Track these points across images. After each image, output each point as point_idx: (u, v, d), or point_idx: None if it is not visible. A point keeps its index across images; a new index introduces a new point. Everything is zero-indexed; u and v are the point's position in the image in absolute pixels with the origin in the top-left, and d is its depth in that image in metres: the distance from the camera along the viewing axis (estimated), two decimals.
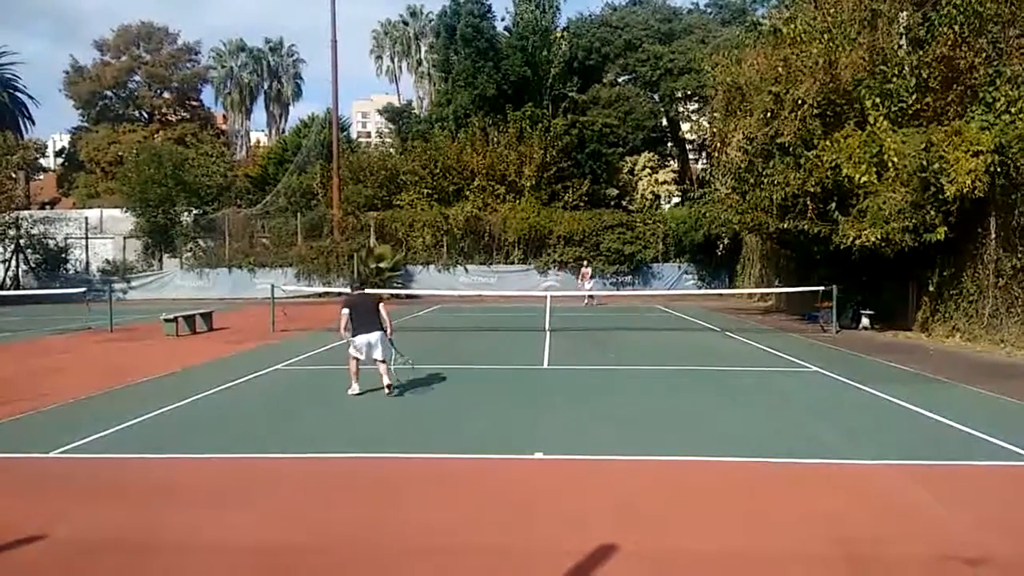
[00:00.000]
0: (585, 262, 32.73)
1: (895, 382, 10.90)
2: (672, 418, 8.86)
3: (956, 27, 15.15)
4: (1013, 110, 14.48)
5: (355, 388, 10.10)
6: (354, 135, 65.21)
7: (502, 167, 36.47)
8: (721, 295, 32.63)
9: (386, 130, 58.08)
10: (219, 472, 6.79)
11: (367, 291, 10.55)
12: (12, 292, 32.34)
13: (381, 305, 10.30)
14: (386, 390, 9.95)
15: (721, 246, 35.57)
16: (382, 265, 34.36)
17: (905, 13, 17.07)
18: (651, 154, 41.74)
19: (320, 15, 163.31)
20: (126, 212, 38.07)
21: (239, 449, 7.47)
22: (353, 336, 10.04)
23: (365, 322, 10.08)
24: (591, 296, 29.50)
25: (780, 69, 17.60)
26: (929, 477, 6.49)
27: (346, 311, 10.11)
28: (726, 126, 20.50)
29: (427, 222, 36.08)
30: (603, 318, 23.03)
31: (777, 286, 26.88)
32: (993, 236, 15.32)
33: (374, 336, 10.04)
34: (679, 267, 36.02)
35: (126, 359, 14.12)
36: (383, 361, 10.06)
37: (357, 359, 10.09)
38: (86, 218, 39.53)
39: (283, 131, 67.09)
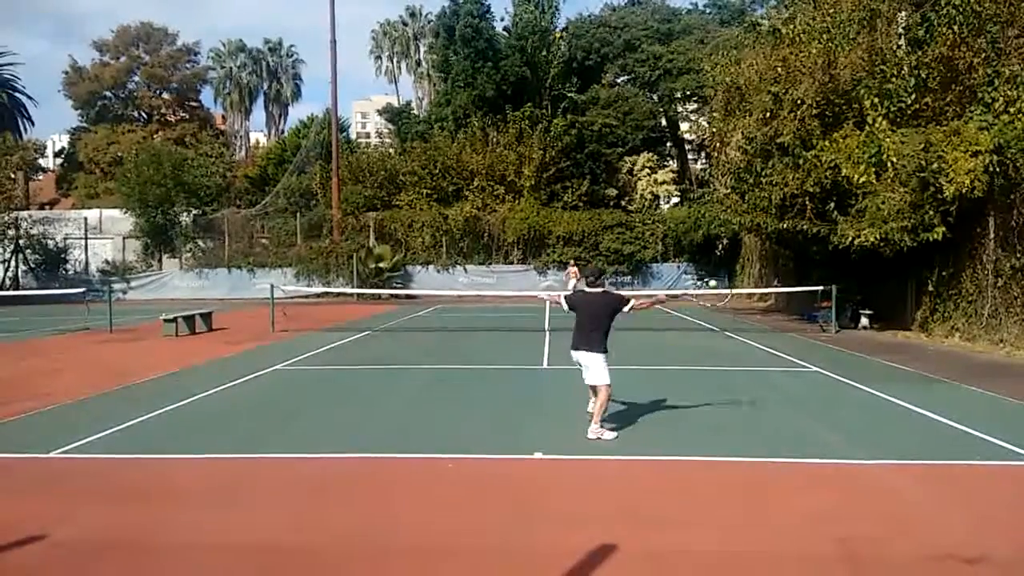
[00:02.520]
0: (571, 262, 33.41)
1: (894, 382, 10.91)
2: (671, 418, 8.86)
3: (955, 27, 15.16)
4: (1012, 110, 14.49)
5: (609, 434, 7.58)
6: (353, 135, 65.26)
7: (501, 167, 36.52)
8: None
9: (385, 130, 58.15)
10: (219, 472, 6.78)
11: (603, 289, 7.86)
12: (11, 292, 32.34)
13: (623, 309, 7.64)
14: (589, 432, 7.52)
15: (720, 246, 35.64)
16: (382, 265, 34.40)
17: (904, 13, 17.08)
18: (650, 154, 41.77)
19: (319, 16, 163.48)
20: (125, 212, 38.12)
21: (239, 449, 7.46)
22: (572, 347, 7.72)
23: (582, 332, 7.60)
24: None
25: (779, 69, 17.62)
26: (928, 477, 6.50)
27: (569, 310, 7.83)
28: (725, 126, 20.53)
29: (426, 222, 36.13)
30: None
31: (776, 286, 26.90)
32: (992, 236, 15.34)
33: (583, 356, 7.53)
34: (678, 267, 36.09)
35: (126, 359, 14.12)
36: (593, 388, 7.68)
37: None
38: (85, 218, 39.55)
39: (282, 131, 67.21)
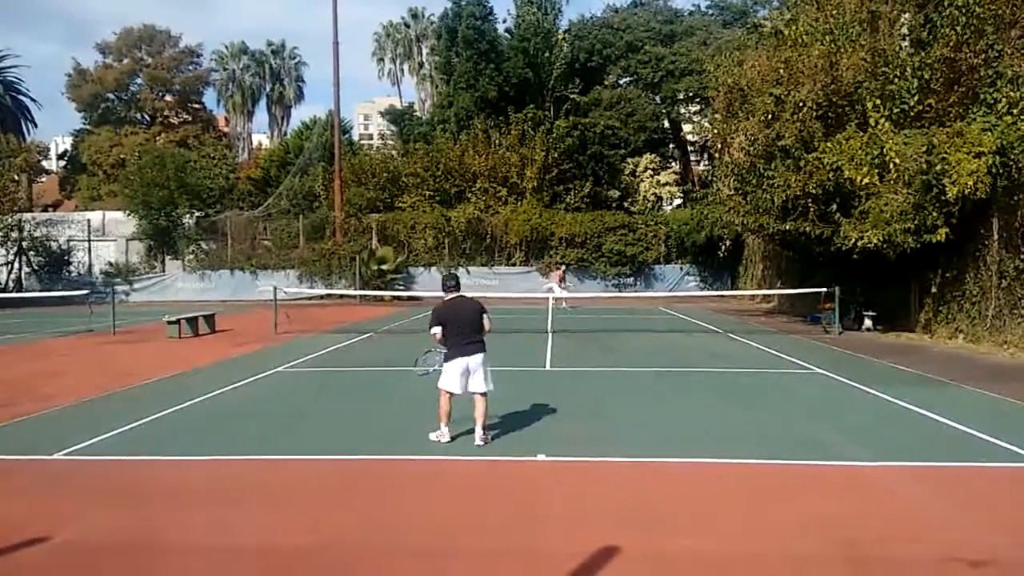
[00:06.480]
0: (555, 265, 33.23)
1: (898, 383, 10.89)
2: (674, 420, 8.86)
3: (958, 28, 15.15)
4: (1015, 111, 14.49)
5: (444, 434, 7.47)
6: (356, 137, 65.37)
7: (504, 169, 36.53)
8: (723, 296, 32.63)
9: (388, 132, 58.22)
10: (222, 474, 6.79)
11: (465, 295, 7.89)
12: (15, 294, 32.39)
13: (485, 316, 7.64)
14: (477, 439, 7.38)
15: (723, 247, 35.61)
16: (384, 267, 34.41)
17: (907, 14, 17.07)
18: (653, 156, 41.79)
19: (322, 18, 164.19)
20: (128, 215, 38.18)
21: (242, 451, 7.47)
22: (446, 360, 7.48)
23: (464, 338, 7.45)
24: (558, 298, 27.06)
25: (781, 71, 17.60)
26: (931, 478, 6.49)
27: (438, 329, 7.46)
28: (728, 127, 20.51)
29: (429, 224, 36.16)
30: (605, 320, 23.03)
31: (779, 287, 26.88)
32: (995, 237, 15.31)
33: (475, 360, 7.42)
34: (681, 268, 36.06)
35: (129, 361, 14.14)
36: (483, 395, 7.50)
37: (450, 393, 7.44)
38: (88, 220, 39.63)
39: (285, 133, 67.20)
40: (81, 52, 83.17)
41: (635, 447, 7.36)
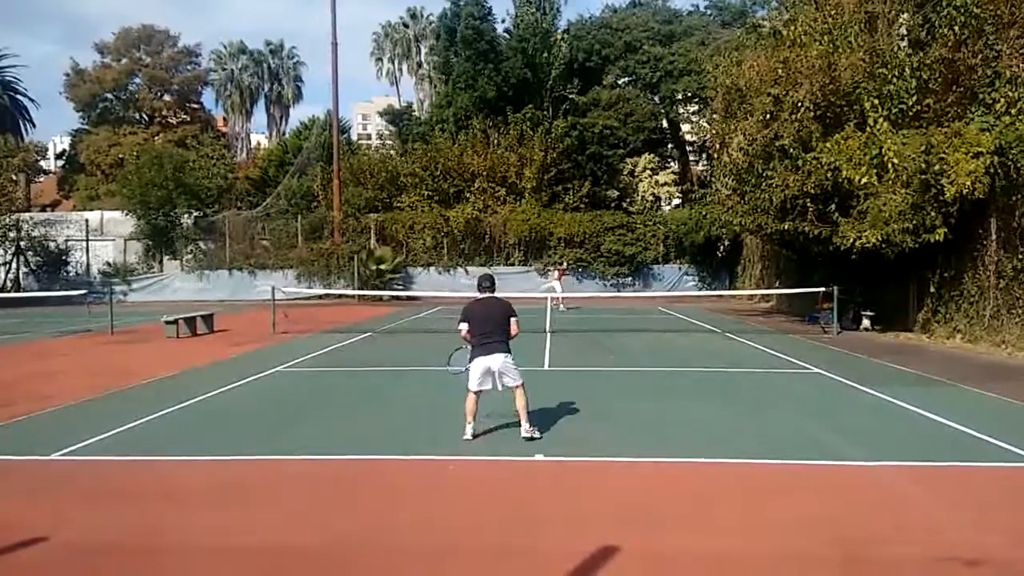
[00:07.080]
0: (556, 262, 32.99)
1: (896, 383, 10.90)
2: (673, 420, 8.86)
3: (956, 28, 15.15)
4: (1013, 111, 14.50)
5: (468, 432, 7.52)
6: (354, 137, 65.28)
7: (502, 169, 36.52)
8: (721, 296, 32.64)
9: (386, 132, 58.13)
10: (220, 474, 6.78)
11: (498, 296, 7.93)
12: (13, 294, 32.36)
13: (513, 320, 7.68)
14: (524, 432, 7.46)
15: (722, 247, 35.62)
16: (383, 267, 34.40)
17: (905, 15, 17.08)
18: (651, 156, 41.78)
19: (321, 18, 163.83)
20: (127, 214, 38.13)
21: (240, 451, 7.46)
22: (470, 359, 7.62)
23: (486, 338, 7.54)
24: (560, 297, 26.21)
25: (780, 71, 17.59)
26: (929, 478, 6.49)
27: (464, 325, 7.64)
28: (726, 128, 20.49)
29: (427, 224, 36.15)
30: (604, 320, 23.03)
31: (777, 287, 26.89)
32: (993, 237, 15.32)
33: (496, 360, 7.50)
34: (680, 268, 36.06)
35: (127, 361, 14.12)
36: (518, 386, 7.62)
37: (476, 393, 7.60)
38: (86, 220, 39.61)
39: (283, 133, 67.14)
40: (79, 52, 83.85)
41: (634, 447, 7.36)
